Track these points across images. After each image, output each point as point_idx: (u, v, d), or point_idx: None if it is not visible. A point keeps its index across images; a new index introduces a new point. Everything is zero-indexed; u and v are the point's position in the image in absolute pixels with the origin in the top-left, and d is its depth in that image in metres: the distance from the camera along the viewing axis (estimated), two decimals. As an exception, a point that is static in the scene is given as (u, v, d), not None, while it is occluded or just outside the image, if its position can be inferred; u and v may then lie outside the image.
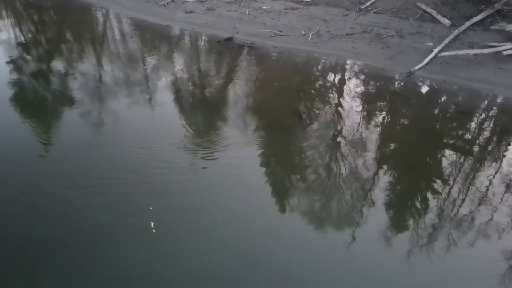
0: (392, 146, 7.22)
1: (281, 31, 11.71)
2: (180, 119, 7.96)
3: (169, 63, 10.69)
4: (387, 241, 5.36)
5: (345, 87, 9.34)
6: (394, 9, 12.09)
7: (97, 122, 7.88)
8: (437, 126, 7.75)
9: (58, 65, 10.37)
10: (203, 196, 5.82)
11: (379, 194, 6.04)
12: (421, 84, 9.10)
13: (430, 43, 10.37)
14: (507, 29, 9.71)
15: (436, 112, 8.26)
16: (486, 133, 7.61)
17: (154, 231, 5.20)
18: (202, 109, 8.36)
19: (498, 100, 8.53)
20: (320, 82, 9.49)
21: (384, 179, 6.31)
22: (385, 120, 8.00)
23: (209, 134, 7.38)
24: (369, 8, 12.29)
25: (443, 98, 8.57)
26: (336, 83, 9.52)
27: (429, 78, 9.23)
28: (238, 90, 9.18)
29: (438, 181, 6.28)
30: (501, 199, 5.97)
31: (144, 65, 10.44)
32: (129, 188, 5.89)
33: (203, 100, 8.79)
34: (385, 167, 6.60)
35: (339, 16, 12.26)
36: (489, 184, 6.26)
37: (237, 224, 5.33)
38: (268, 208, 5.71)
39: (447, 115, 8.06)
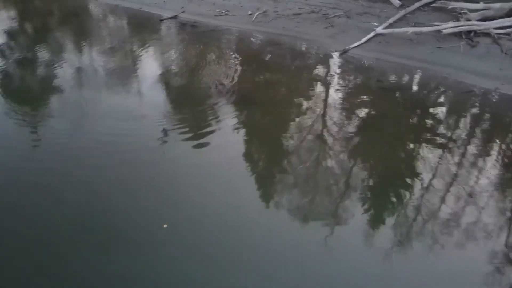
0: (304, 116, 6.84)
1: (228, 11, 11.35)
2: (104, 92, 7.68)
3: (102, 40, 10.43)
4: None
5: (272, 61, 8.94)
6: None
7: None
8: (355, 100, 7.33)
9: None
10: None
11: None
12: (352, 61, 8.64)
13: (375, 23, 9.89)
14: (450, 7, 9.20)
15: (358, 87, 7.84)
16: (402, 107, 7.16)
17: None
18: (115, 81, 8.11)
19: (426, 77, 8.04)
20: (250, 57, 9.09)
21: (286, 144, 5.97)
22: (303, 91, 7.62)
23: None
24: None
25: (369, 75, 8.12)
26: (265, 58, 9.12)
27: (363, 56, 8.75)
28: (163, 65, 8.93)
29: (342, 150, 5.91)
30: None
31: (76, 41, 10.19)
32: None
33: (118, 73, 8.48)
34: (293, 134, 6.29)
35: (291, -3, 11.85)
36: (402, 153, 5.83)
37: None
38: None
39: (368, 90, 7.62)
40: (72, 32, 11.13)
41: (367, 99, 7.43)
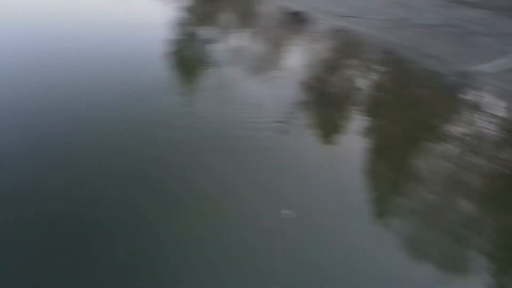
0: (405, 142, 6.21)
1: (357, 13, 10.95)
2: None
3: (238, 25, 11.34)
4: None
5: (381, 72, 8.34)
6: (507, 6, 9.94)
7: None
8: (470, 138, 6.21)
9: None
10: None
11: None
12: (478, 89, 7.35)
13: (524, 48, 8.25)
14: None
15: (475, 122, 6.66)
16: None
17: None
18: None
19: None
20: (352, 61, 8.70)
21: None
22: (406, 111, 6.92)
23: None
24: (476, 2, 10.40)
25: (495, 111, 6.75)
26: (375, 68, 8.54)
27: (491, 84, 7.39)
28: (275, 56, 9.28)
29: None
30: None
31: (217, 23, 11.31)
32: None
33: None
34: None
35: (435, 6, 10.74)
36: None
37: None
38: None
39: (490, 133, 6.35)
40: (218, 15, 12.37)
41: (488, 141, 6.23)
